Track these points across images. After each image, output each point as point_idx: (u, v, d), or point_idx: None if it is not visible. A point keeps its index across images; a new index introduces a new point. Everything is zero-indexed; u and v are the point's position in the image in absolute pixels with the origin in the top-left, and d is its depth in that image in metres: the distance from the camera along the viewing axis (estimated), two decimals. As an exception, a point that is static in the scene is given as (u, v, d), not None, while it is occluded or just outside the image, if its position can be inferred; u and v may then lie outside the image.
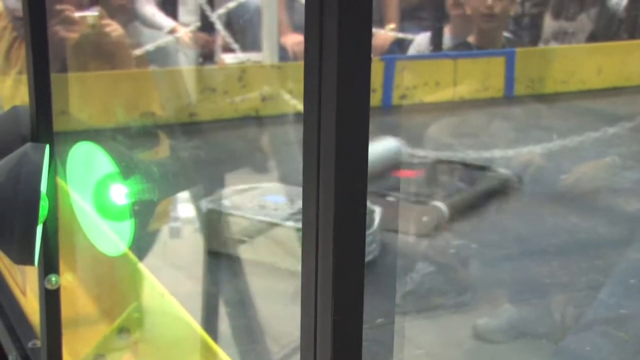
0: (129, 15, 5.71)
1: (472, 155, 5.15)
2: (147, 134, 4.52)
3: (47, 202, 2.30)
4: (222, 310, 3.14)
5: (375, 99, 6.11)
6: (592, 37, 7.10)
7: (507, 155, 5.12)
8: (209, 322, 2.79)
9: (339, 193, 0.98)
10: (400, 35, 6.76)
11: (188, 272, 3.55)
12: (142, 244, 3.48)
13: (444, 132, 5.73)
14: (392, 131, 5.60)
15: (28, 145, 2.28)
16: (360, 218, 0.99)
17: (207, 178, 4.52)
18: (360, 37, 0.96)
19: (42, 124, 2.40)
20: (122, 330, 2.63)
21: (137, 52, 5.60)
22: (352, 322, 1.02)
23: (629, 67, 6.93)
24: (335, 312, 1.00)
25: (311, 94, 1.00)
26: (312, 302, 1.03)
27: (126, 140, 3.85)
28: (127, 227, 2.43)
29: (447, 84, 6.41)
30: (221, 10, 6.20)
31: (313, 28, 0.98)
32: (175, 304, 2.45)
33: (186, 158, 4.64)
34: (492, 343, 3.34)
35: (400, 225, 4.22)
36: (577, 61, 6.90)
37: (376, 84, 6.12)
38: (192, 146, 5.23)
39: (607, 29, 7.22)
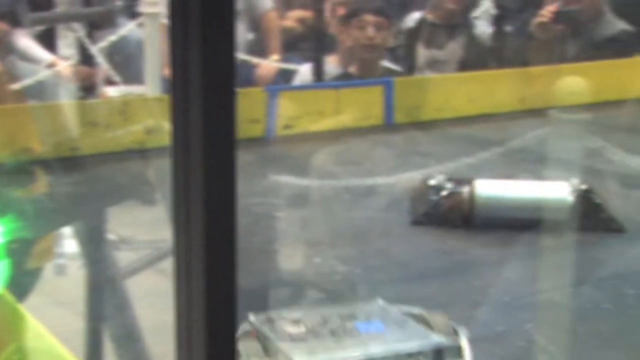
0: (4, 49, 5.59)
1: (355, 182, 5.17)
2: (25, 170, 4.42)
3: None
4: (108, 346, 3.07)
5: (259, 129, 6.08)
6: (463, 65, 7.22)
7: (389, 182, 5.15)
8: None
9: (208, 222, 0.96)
10: (284, 65, 6.76)
11: (73, 309, 3.47)
12: (24, 283, 3.40)
13: (327, 161, 5.74)
14: (278, 161, 5.58)
15: None
16: (232, 246, 0.96)
17: (88, 213, 4.45)
18: (223, 71, 0.94)
19: None
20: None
21: (15, 87, 5.46)
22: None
23: (498, 94, 7.07)
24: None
25: (178, 125, 0.98)
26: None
27: (1, 178, 3.76)
28: (2, 267, 2.37)
29: (330, 113, 6.40)
30: (102, 44, 6.09)
31: (178, 63, 0.96)
32: (55, 343, 2.38)
33: (65, 194, 4.56)
34: None
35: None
36: (450, 89, 6.99)
37: (260, 114, 6.09)
38: (73, 182, 5.12)
39: (477, 57, 7.35)
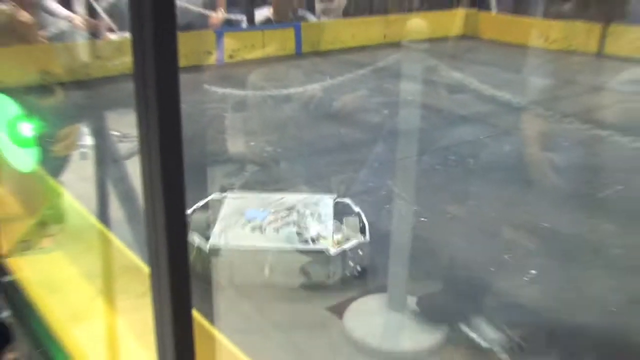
0: (36, 8, 5.45)
1: (276, 92, 5.09)
2: (49, 88, 4.30)
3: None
4: (115, 203, 2.98)
5: (212, 58, 6.09)
6: (346, 13, 7.22)
7: (299, 91, 5.08)
8: (104, 213, 2.64)
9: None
10: (228, 16, 6.63)
11: (91, 181, 3.35)
12: (57, 165, 3.29)
13: (257, 78, 5.66)
14: (225, 79, 5.49)
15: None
16: (179, 142, 0.88)
17: (96, 116, 4.33)
18: (168, 20, 0.84)
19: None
20: (41, 223, 2.45)
21: (43, 33, 5.30)
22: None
23: (369, 33, 7.14)
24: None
25: (138, 61, 0.87)
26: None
27: (32, 92, 3.63)
28: (34, 151, 2.27)
29: (259, 46, 6.39)
30: (104, 4, 5.86)
31: (135, 13, 0.86)
32: (75, 202, 2.28)
33: (78, 104, 4.45)
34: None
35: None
36: (338, 30, 6.99)
37: (212, 48, 6.08)
38: (83, 95, 5.04)
39: (355, 8, 7.38)
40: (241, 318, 2.48)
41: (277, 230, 2.79)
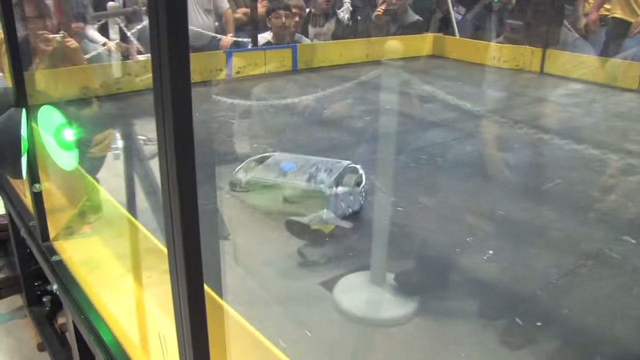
0: (80, 36, 5.46)
1: (276, 102, 5.10)
2: (87, 100, 4.32)
3: (26, 141, 2.10)
4: (141, 195, 2.98)
5: (222, 74, 6.04)
6: (335, 37, 7.22)
7: (295, 101, 5.08)
8: (131, 205, 2.65)
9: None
10: (236, 39, 6.62)
11: (122, 177, 3.35)
12: (95, 165, 3.30)
13: (260, 90, 5.67)
14: (233, 92, 5.49)
15: (12, 109, 2.08)
16: (190, 142, 0.89)
17: (126, 123, 4.31)
18: (180, 41, 0.85)
19: (20, 96, 2.17)
20: (81, 213, 2.46)
21: (84, 56, 5.31)
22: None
23: (354, 52, 7.11)
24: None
25: (156, 77, 0.88)
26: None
27: (76, 104, 3.64)
28: (76, 153, 2.28)
29: (261, 64, 6.35)
30: (134, 30, 5.83)
31: (155, 38, 0.87)
32: (108, 195, 2.29)
33: (111, 113, 4.44)
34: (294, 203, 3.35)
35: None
36: (328, 50, 6.96)
37: (222, 66, 6.04)
38: (116, 106, 5.02)
39: (342, 32, 7.38)
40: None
41: (295, 175, 3.22)
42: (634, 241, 2.95)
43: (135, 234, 2.02)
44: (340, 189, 3.11)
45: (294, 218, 2.89)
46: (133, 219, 2.10)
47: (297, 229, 2.85)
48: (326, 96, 4.95)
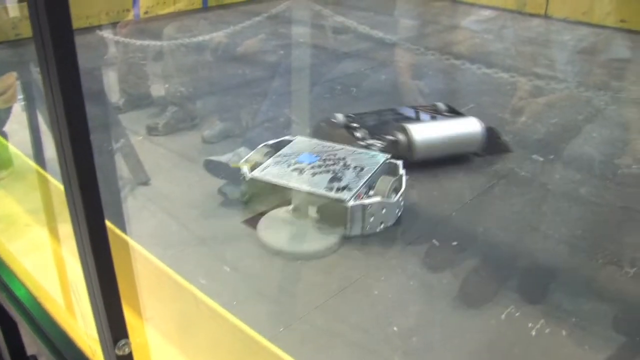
0: None
1: (187, 40, 4.92)
2: None
3: None
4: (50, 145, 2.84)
5: (130, 14, 5.74)
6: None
7: (207, 39, 4.93)
8: (39, 157, 2.52)
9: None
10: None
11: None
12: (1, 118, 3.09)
13: (171, 30, 5.44)
14: (142, 32, 5.25)
15: None
16: (79, 89, 0.82)
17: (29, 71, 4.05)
18: None
19: None
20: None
21: None
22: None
23: None
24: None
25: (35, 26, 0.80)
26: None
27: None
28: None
29: (170, 3, 6.10)
30: None
31: None
32: (13, 148, 2.16)
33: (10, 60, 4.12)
34: (211, 143, 3.27)
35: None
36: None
37: (129, 6, 5.73)
38: (17, 52, 4.70)
39: None
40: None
41: (313, 174, 2.58)
42: (541, 159, 3.09)
43: (46, 185, 1.93)
44: (370, 200, 2.43)
45: (211, 157, 2.84)
46: (41, 170, 2.01)
47: (215, 168, 2.80)
48: (238, 32, 4.81)
